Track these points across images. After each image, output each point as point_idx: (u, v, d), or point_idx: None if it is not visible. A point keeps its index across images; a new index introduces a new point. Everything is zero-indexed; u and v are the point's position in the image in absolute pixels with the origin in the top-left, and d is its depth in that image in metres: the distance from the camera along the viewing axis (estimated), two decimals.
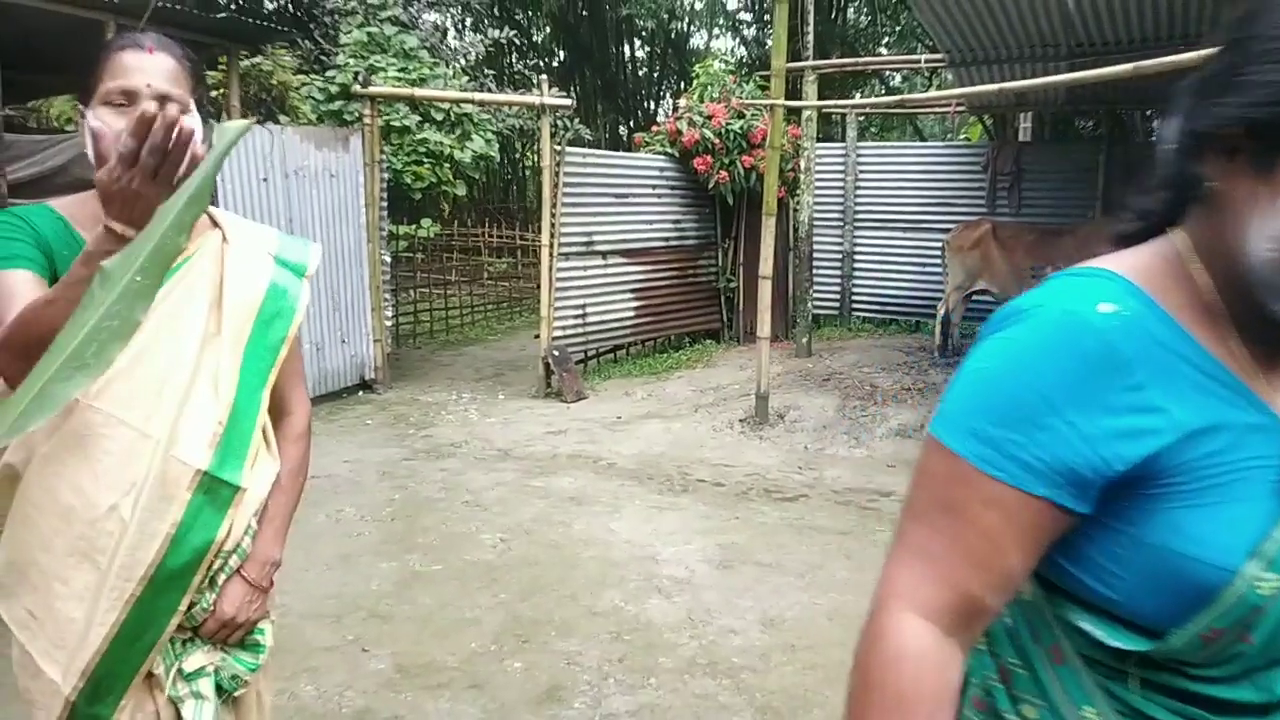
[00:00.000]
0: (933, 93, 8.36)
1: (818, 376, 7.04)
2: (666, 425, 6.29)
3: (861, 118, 10.33)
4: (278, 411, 1.67)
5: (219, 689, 1.54)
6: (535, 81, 16.33)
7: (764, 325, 6.20)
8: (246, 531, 1.56)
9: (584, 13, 19.47)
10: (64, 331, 0.81)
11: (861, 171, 9.46)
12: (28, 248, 1.39)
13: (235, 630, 1.54)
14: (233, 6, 17.75)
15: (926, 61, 8.35)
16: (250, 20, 9.54)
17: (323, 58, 10.40)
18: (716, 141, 8.45)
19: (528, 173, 20.40)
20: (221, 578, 1.52)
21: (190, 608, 1.50)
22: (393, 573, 4.02)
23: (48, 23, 6.50)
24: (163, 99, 1.36)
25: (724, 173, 8.48)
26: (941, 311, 7.42)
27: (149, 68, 1.41)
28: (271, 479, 1.60)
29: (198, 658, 1.52)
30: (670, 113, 17.53)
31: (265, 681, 1.72)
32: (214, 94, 9.78)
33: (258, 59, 9.63)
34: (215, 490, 1.47)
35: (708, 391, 7.04)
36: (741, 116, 8.58)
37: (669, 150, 8.71)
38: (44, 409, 0.78)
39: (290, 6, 16.16)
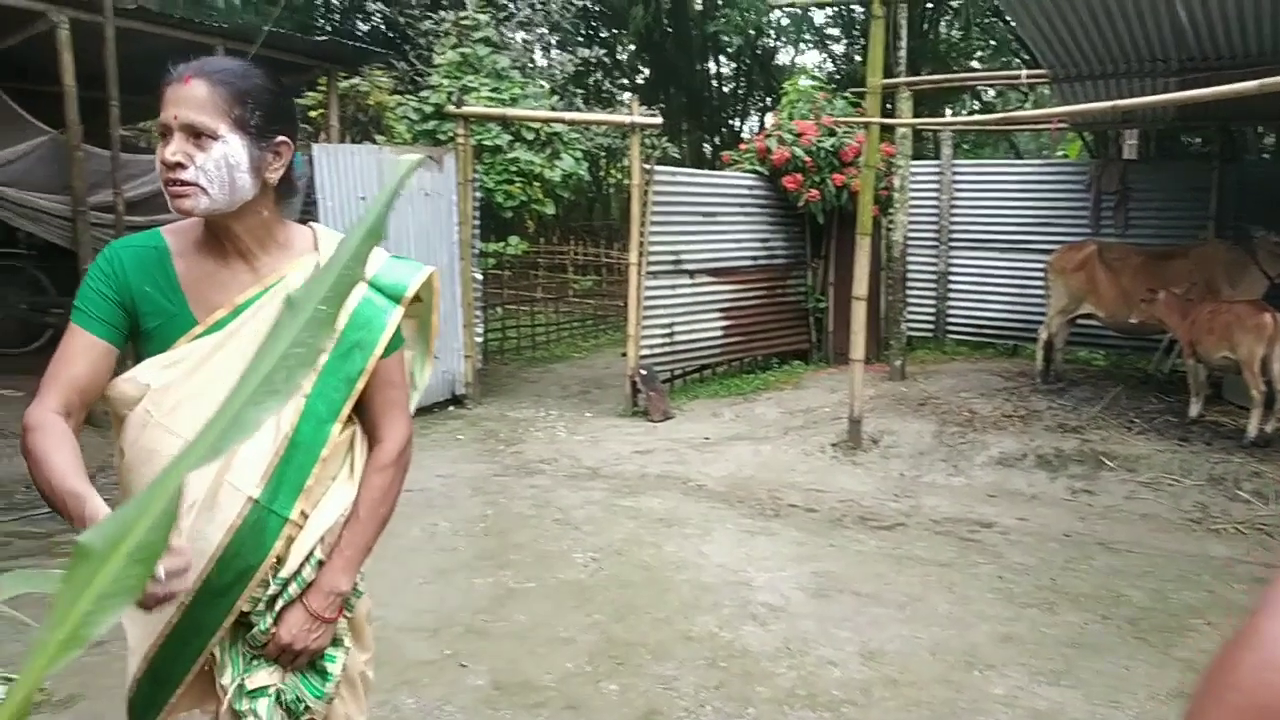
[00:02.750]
0: (1037, 110, 8.12)
1: (912, 401, 6.87)
2: (756, 447, 6.22)
3: (954, 134, 10.11)
4: (371, 438, 1.64)
5: (288, 710, 1.56)
6: (620, 100, 16.51)
7: (857, 347, 6.09)
8: (308, 560, 1.56)
9: (669, 30, 19.59)
10: (255, 359, 0.82)
11: (957, 190, 9.25)
12: (106, 305, 1.49)
13: (296, 656, 1.55)
14: (329, 29, 18.44)
15: (1028, 77, 8.11)
16: (349, 43, 9.82)
17: (417, 78, 10.67)
18: (807, 159, 8.37)
19: (611, 190, 20.56)
20: (280, 603, 1.54)
21: (250, 629, 1.55)
22: (487, 589, 4.04)
23: (163, 46, 6.78)
24: (189, 129, 1.42)
25: (814, 191, 8.39)
26: (1044, 336, 7.17)
27: (181, 99, 1.44)
28: (343, 508, 1.58)
29: (261, 676, 1.56)
30: (758, 130, 17.50)
31: (355, 705, 1.71)
32: (314, 114, 10.13)
33: (356, 80, 9.94)
34: (264, 518, 1.50)
35: (797, 414, 6.94)
36: (832, 134, 8.48)
37: (758, 168, 8.66)
38: (240, 433, 0.78)
39: (385, 29, 16.66)
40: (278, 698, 1.56)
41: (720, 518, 4.95)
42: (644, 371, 7.33)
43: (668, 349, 7.83)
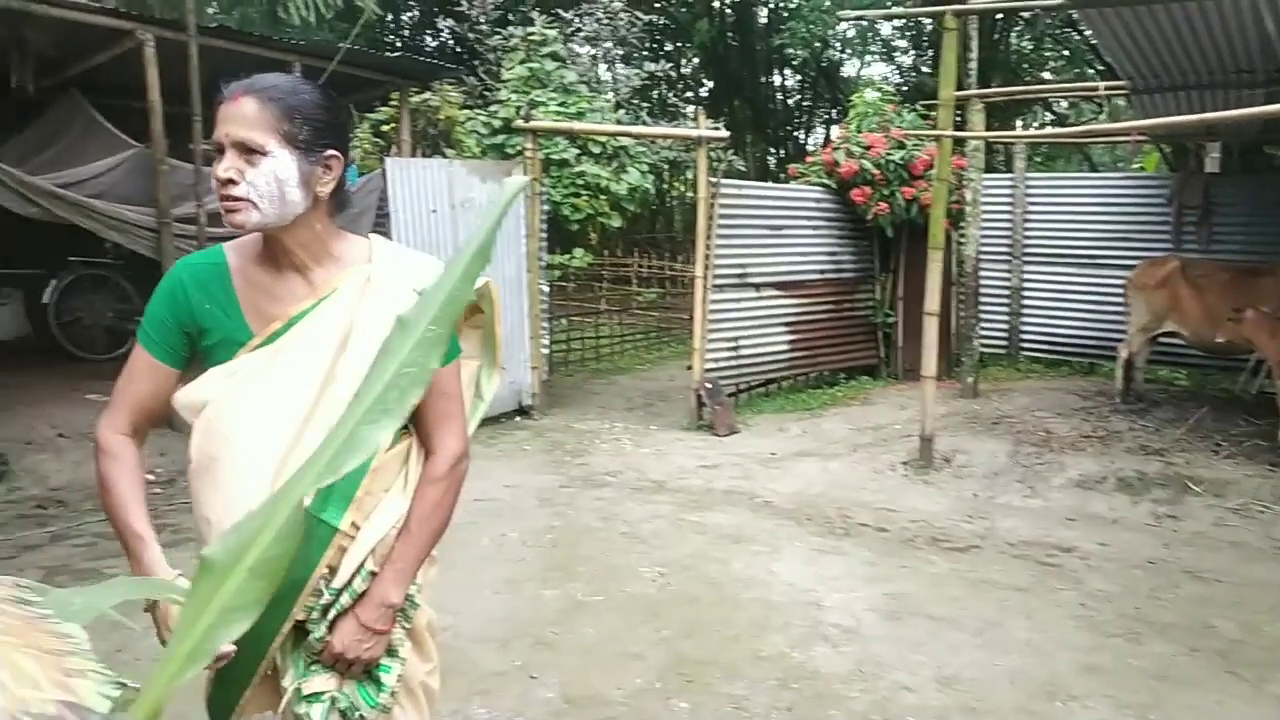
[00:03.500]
0: (1120, 124, 7.90)
1: (986, 419, 6.71)
2: (824, 464, 6.13)
3: (1027, 146, 9.89)
4: (425, 450, 1.64)
5: (344, 716, 1.58)
6: (685, 113, 16.56)
7: (929, 363, 5.97)
8: (359, 571, 1.57)
9: (733, 43, 19.59)
10: (367, 380, 0.82)
11: (1031, 203, 9.03)
12: (166, 330, 1.58)
13: (349, 666, 1.56)
14: (399, 46, 18.85)
15: (1107, 89, 7.91)
16: (421, 59, 10.01)
17: (486, 93, 10.82)
18: (876, 172, 8.27)
19: (674, 203, 20.59)
20: (333, 613, 1.56)
21: (307, 635, 1.57)
22: (556, 601, 4.04)
23: (242, 63, 6.96)
24: (240, 146, 1.46)
25: (883, 204, 8.28)
26: (1124, 354, 6.95)
27: (231, 116, 1.48)
28: (395, 521, 1.59)
29: (317, 682, 1.58)
30: (823, 143, 17.37)
31: (416, 714, 1.71)
32: (386, 128, 10.33)
33: (426, 95, 10.12)
34: (315, 528, 1.52)
35: (866, 430, 6.83)
36: (902, 146, 8.37)
37: (825, 181, 8.58)
38: (355, 452, 0.79)
39: (454, 44, 16.95)
40: (334, 704, 1.58)
41: (788, 535, 4.88)
42: (709, 385, 7.30)
43: (733, 363, 7.78)
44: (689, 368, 7.57)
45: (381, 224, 7.04)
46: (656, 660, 3.51)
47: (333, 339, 1.54)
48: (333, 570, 1.56)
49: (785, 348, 8.20)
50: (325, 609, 1.56)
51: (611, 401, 8.44)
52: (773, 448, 6.61)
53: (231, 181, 1.46)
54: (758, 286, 7.92)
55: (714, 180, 7.56)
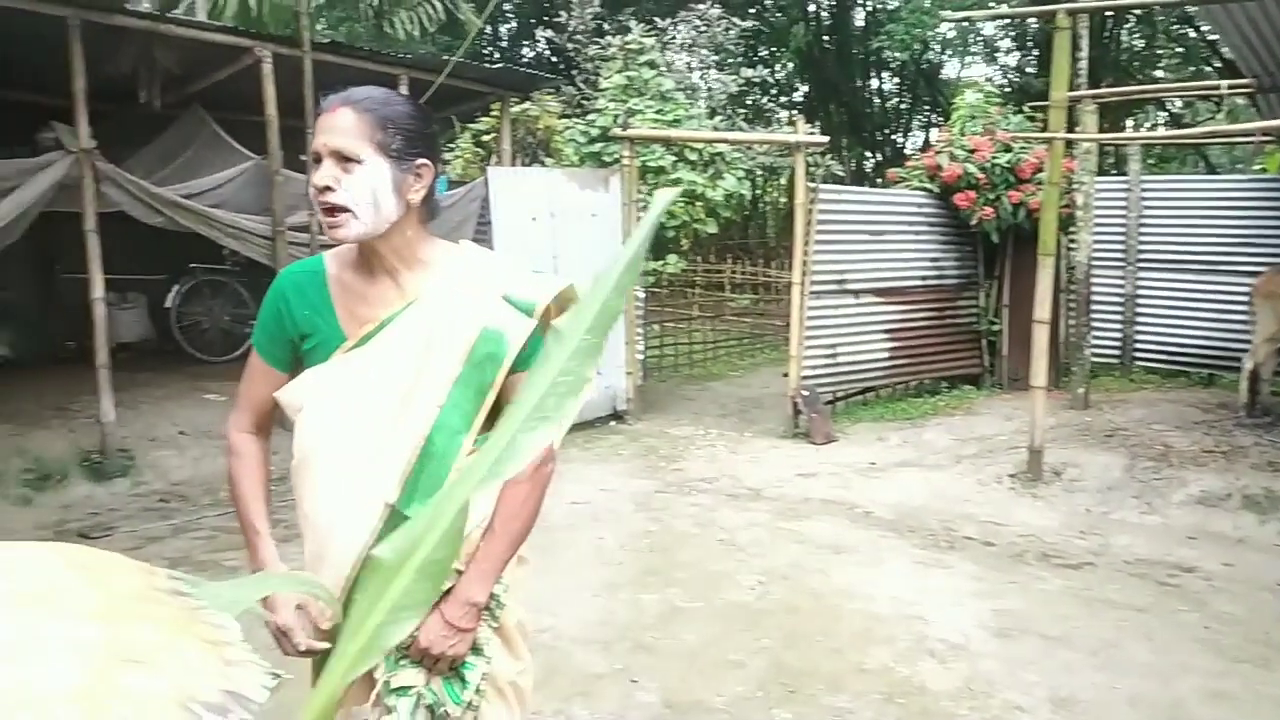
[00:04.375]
0: (1238, 124, 7.51)
1: (1098, 431, 6.45)
2: (925, 475, 5.99)
3: (1141, 148, 9.48)
4: None
5: (430, 711, 1.60)
6: (779, 118, 16.44)
7: (1038, 373, 5.78)
8: None
9: (829, 48, 19.36)
10: (526, 387, 0.84)
11: (1147, 207, 8.64)
12: (272, 336, 1.69)
13: (435, 661, 1.59)
14: (496, 57, 19.25)
15: (1230, 88, 7.52)
16: (522, 69, 10.19)
17: (584, 102, 10.96)
18: (980, 176, 8.04)
19: (768, 209, 20.45)
20: None
21: None
22: (654, 605, 4.05)
23: (352, 77, 7.16)
24: (337, 154, 1.53)
25: (988, 209, 8.05)
26: (1249, 365, 6.58)
27: (329, 127, 1.54)
28: (479, 520, 1.61)
29: (405, 676, 1.61)
30: (921, 146, 17.00)
31: (505, 713, 1.70)
32: (486, 138, 10.56)
33: (526, 105, 10.30)
34: (400, 524, 1.55)
35: (969, 441, 6.64)
36: (1008, 149, 8.13)
37: (927, 186, 8.39)
38: (515, 458, 0.81)
39: (550, 54, 17.22)
40: (420, 700, 1.61)
41: (890, 547, 4.78)
42: (806, 392, 7.21)
43: (830, 370, 7.67)
44: (785, 374, 7.50)
45: (483, 231, 7.20)
46: (757, 669, 3.49)
47: (419, 342, 1.59)
48: None
49: (885, 355, 8.05)
50: None
51: (705, 407, 8.43)
52: (872, 457, 6.49)
53: (329, 189, 1.53)
54: (856, 293, 7.80)
55: (812, 185, 7.48)
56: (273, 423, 1.77)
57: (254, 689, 1.01)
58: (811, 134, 8.90)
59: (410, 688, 1.60)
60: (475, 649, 1.62)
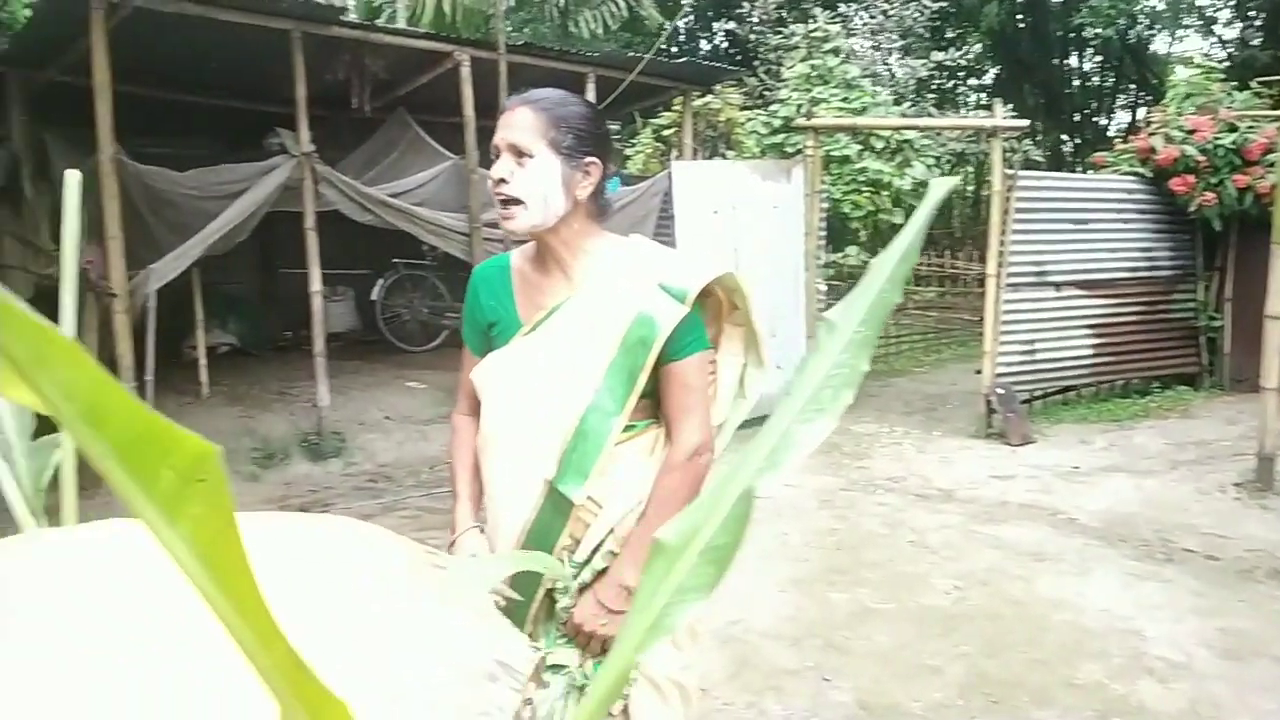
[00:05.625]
0: None
1: None
2: (1137, 482, 5.58)
3: None
4: (669, 441, 1.71)
5: (580, 691, 1.64)
6: (967, 102, 15.72)
7: (1270, 374, 5.26)
8: (598, 549, 1.66)
9: (1023, 26, 18.32)
10: (799, 379, 0.83)
11: None
12: (472, 328, 1.84)
13: (588, 641, 1.63)
14: (674, 51, 19.37)
15: None
16: (705, 63, 10.21)
17: (765, 93, 10.87)
18: (1201, 159, 7.39)
19: (954, 197, 19.60)
20: (575, 585, 1.66)
21: (553, 605, 1.69)
22: (844, 604, 3.98)
23: (542, 76, 7.43)
24: (513, 149, 1.62)
25: (1209, 194, 7.39)
26: None
27: (508, 124, 1.64)
28: (634, 503, 1.66)
29: (561, 655, 1.66)
30: (1125, 127, 15.83)
31: (663, 708, 1.68)
32: (667, 132, 10.66)
33: (708, 98, 10.32)
34: (558, 500, 1.66)
35: (1187, 446, 6.14)
36: (1233, 129, 7.43)
37: (1138, 170, 7.80)
38: (792, 449, 0.81)
39: (729, 46, 17.18)
40: (572, 680, 1.65)
41: (1099, 557, 4.49)
42: (1001, 390, 6.87)
43: (1028, 367, 7.27)
44: (978, 371, 7.17)
45: (665, 226, 7.28)
46: (956, 675, 3.36)
47: (580, 328, 1.67)
48: (574, 544, 1.67)
49: (1088, 352, 7.55)
50: (567, 585, 1.67)
51: (889, 404, 8.18)
52: (1074, 460, 6.11)
53: (503, 181, 1.63)
54: (1058, 285, 7.35)
55: (1010, 172, 7.12)
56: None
57: (520, 659, 1.06)
58: (1014, 118, 8.46)
59: (564, 667, 1.66)
60: None
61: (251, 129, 7.48)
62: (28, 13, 8.00)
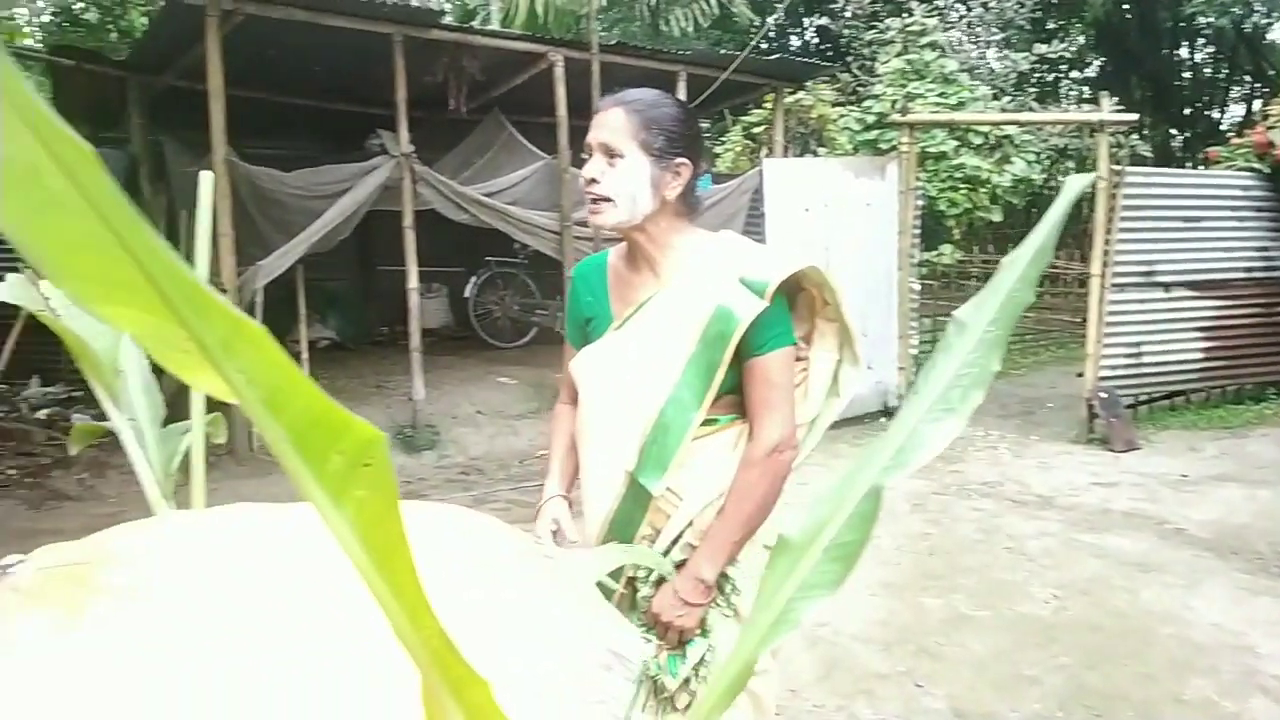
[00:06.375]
0: None
1: None
2: (1250, 492, 5.32)
3: None
4: (751, 436, 1.71)
5: (653, 683, 1.65)
6: (1069, 96, 15.17)
7: None
8: (677, 541, 1.68)
9: (1130, 15, 17.60)
10: (926, 378, 0.83)
11: None
12: (570, 321, 1.90)
13: (665, 630, 1.65)
14: (764, 47, 19.22)
15: None
16: (798, 60, 10.11)
17: (859, 88, 10.70)
18: None
19: (1052, 194, 18.96)
20: (654, 575, 1.69)
21: (635, 592, 1.72)
22: (938, 610, 3.90)
23: (634, 76, 7.46)
24: (604, 148, 1.65)
25: None
26: None
27: (601, 124, 1.67)
28: (712, 497, 1.67)
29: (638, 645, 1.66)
30: (1243, 123, 15.05)
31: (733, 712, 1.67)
32: (757, 129, 10.60)
33: (799, 95, 10.22)
34: (638, 491, 1.69)
35: None
36: None
37: (1255, 165, 7.43)
38: (921, 447, 0.80)
39: (819, 42, 16.96)
40: (645, 669, 1.65)
41: (1209, 569, 4.29)
42: (1104, 394, 6.63)
43: (1133, 371, 7.00)
44: (1079, 374, 6.94)
45: (755, 223, 7.23)
46: (1054, 686, 3.26)
47: (666, 322, 1.70)
48: (655, 534, 1.70)
49: (1199, 356, 7.22)
50: (650, 570, 1.70)
51: (985, 407, 7.77)
52: (1183, 468, 5.86)
53: (594, 180, 1.66)
54: (1166, 286, 7.05)
55: (1118, 168, 6.86)
56: None
57: (632, 649, 1.07)
58: (1122, 112, 8.14)
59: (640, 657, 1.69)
60: (703, 630, 1.66)
61: (353, 130, 7.72)
62: (144, 21, 8.42)
